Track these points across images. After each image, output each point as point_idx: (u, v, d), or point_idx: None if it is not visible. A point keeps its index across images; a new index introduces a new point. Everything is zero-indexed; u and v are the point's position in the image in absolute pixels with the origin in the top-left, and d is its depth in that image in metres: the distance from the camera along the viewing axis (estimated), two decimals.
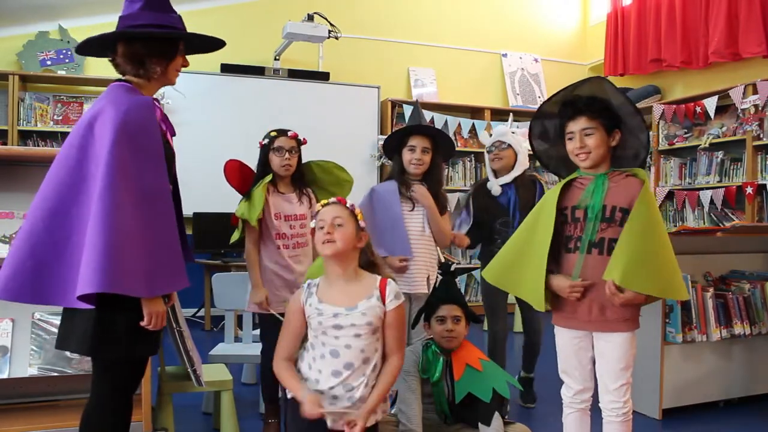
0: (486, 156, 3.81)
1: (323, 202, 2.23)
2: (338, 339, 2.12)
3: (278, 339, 2.25)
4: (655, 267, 2.25)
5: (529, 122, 2.62)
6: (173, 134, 2.24)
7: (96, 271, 1.81)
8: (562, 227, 2.39)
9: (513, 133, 3.72)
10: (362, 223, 2.21)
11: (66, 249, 1.91)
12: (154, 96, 2.20)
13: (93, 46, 2.15)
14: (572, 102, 2.40)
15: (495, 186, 3.67)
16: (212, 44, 2.27)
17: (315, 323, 2.14)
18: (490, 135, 3.81)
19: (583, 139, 2.35)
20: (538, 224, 2.43)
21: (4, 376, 2.76)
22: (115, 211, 1.86)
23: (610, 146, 2.38)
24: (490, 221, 3.69)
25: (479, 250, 3.92)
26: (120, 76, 2.15)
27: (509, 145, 3.67)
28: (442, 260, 3.43)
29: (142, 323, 1.97)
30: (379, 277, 2.23)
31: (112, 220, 1.85)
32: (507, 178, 3.66)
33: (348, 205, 2.21)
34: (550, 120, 2.52)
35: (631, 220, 2.25)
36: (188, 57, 2.25)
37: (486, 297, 3.82)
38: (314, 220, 2.22)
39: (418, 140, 3.23)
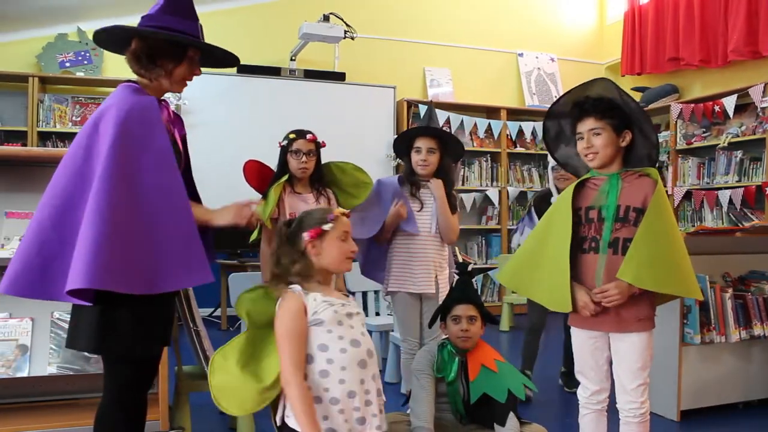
0: (551, 173, 4.09)
1: (343, 210, 2.20)
2: (353, 328, 2.08)
3: (284, 354, 2.01)
4: (669, 266, 2.25)
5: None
6: (182, 134, 2.24)
7: (84, 266, 1.81)
8: (576, 228, 2.38)
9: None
10: None
11: (72, 246, 1.91)
12: (165, 97, 2.21)
13: (110, 39, 2.16)
14: (581, 103, 2.41)
15: None
16: (225, 59, 2.26)
17: (329, 314, 2.04)
18: None
19: (590, 139, 2.36)
20: (552, 226, 2.43)
21: (24, 374, 2.80)
22: (110, 207, 1.86)
23: (620, 146, 2.38)
24: None
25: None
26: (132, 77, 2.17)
27: None
28: (460, 260, 3.44)
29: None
30: None
31: (106, 217, 1.85)
32: None
33: None
34: (565, 120, 2.53)
35: (645, 221, 2.25)
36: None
37: None
38: (331, 223, 2.12)
39: (423, 141, 3.25)
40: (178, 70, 2.14)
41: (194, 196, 2.32)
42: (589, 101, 2.38)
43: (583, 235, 2.38)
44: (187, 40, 2.11)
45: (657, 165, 2.48)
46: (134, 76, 2.17)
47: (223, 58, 2.25)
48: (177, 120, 2.25)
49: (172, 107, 2.24)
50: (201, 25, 2.17)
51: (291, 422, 2.03)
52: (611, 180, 2.37)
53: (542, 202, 4.04)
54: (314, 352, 2.04)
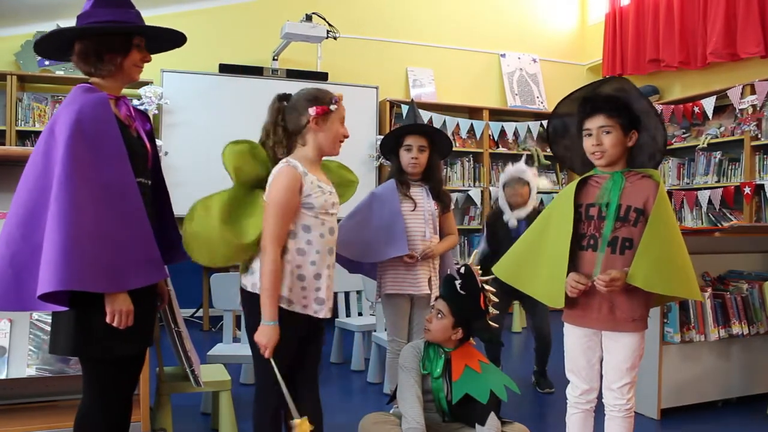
0: (501, 191, 4.11)
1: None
2: (333, 215, 2.26)
3: (269, 224, 2.14)
4: (675, 269, 2.27)
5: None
6: (146, 129, 2.21)
7: (54, 269, 1.80)
8: (576, 225, 2.38)
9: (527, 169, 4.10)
10: None
11: (41, 254, 1.89)
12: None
13: (51, 46, 2.13)
14: (592, 99, 2.41)
15: (512, 220, 4.03)
16: (174, 40, 2.23)
17: (320, 202, 2.21)
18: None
19: (600, 137, 2.36)
20: (552, 222, 2.44)
21: (3, 376, 2.76)
22: (72, 208, 1.85)
23: (627, 146, 2.38)
24: (504, 248, 3.95)
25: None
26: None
27: (527, 182, 4.04)
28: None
29: (107, 320, 1.94)
30: None
31: (69, 218, 1.84)
32: (523, 213, 4.02)
33: None
34: (571, 117, 2.52)
35: (651, 224, 2.25)
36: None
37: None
38: (335, 105, 2.28)
39: (413, 139, 3.24)
40: (127, 61, 2.11)
41: (162, 193, 2.29)
42: (601, 98, 2.39)
43: (582, 233, 2.39)
44: (130, 27, 2.08)
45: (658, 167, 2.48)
46: None
47: (170, 39, 2.23)
48: (140, 115, 2.22)
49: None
50: (139, 12, 2.14)
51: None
52: (614, 177, 2.37)
53: (495, 221, 4.13)
54: (298, 230, 2.19)
